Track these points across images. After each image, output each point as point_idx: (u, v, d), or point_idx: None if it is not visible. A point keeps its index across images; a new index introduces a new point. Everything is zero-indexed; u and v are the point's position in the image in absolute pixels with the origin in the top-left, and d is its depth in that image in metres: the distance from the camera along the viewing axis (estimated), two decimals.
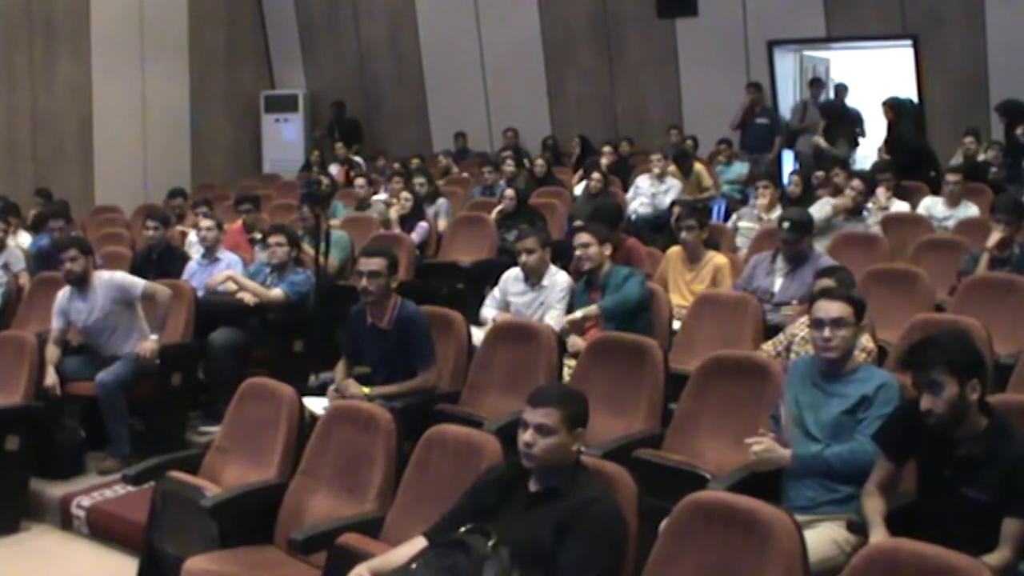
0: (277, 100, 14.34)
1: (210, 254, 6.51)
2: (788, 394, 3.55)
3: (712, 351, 4.20)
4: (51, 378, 5.19)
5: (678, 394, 4.08)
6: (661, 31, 11.80)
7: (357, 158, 12.32)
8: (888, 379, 3.44)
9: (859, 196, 7.02)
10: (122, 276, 5.56)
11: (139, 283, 5.45)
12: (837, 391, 3.45)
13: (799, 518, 2.75)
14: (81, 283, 5.40)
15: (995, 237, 5.55)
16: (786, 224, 5.49)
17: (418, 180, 8.73)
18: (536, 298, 5.39)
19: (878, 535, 2.95)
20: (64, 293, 5.49)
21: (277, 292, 5.98)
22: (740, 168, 10.11)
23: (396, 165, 9.25)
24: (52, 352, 5.34)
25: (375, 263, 4.62)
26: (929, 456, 3.05)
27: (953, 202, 7.31)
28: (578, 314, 5.09)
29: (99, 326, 5.41)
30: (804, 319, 4.49)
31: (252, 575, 3.43)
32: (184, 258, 6.79)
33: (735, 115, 10.80)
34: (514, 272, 5.57)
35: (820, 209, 6.96)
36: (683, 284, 5.74)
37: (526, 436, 2.91)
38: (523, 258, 5.37)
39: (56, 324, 5.46)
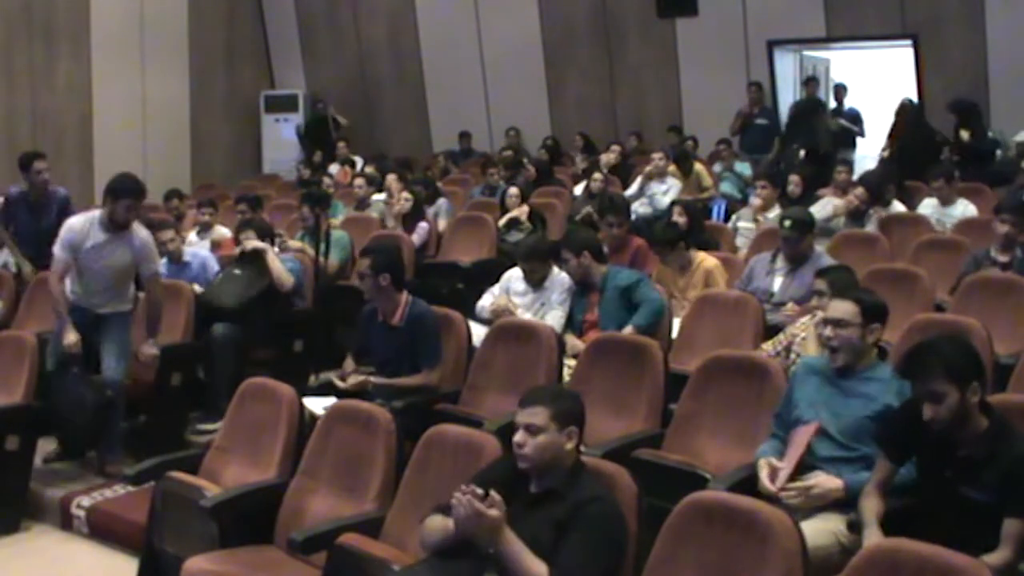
0: (277, 100, 14.34)
1: (176, 258, 6.37)
2: (797, 393, 3.49)
3: (712, 351, 4.20)
4: (73, 336, 5.02)
5: (678, 394, 4.08)
6: (661, 31, 11.81)
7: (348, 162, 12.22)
8: (906, 382, 3.38)
9: (862, 205, 7.05)
10: (154, 244, 5.41)
11: (159, 263, 5.42)
12: (855, 390, 3.40)
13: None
14: (122, 227, 5.16)
15: (999, 231, 5.53)
16: (787, 223, 5.49)
17: (416, 188, 8.68)
18: (537, 298, 5.41)
19: (871, 536, 2.94)
20: (88, 223, 5.15)
21: (289, 276, 5.97)
22: (743, 168, 10.10)
23: (391, 177, 9.15)
24: (59, 287, 5.10)
25: (360, 263, 4.71)
26: (929, 456, 3.04)
27: (946, 201, 7.32)
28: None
29: (107, 274, 5.18)
30: (804, 319, 4.49)
31: (252, 575, 3.43)
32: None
33: (733, 122, 10.82)
34: (516, 272, 5.58)
35: (822, 209, 6.98)
36: (677, 292, 5.73)
37: (517, 437, 2.94)
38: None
39: (64, 256, 5.12)
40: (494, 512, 2.75)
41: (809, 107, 9.91)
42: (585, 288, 5.29)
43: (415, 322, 4.66)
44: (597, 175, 8.53)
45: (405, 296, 4.73)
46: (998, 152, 8.96)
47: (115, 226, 5.13)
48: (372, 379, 4.55)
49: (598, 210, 6.40)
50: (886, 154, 8.96)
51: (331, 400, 4.32)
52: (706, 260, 5.77)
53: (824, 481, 3.23)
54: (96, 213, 5.18)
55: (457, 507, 2.78)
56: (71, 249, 5.13)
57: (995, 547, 2.78)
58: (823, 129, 9.51)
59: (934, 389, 2.88)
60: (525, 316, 5.30)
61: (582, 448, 3.15)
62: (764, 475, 3.32)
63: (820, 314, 4.02)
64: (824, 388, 3.45)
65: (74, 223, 5.19)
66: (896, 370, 3.08)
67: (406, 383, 4.57)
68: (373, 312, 4.78)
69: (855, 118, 11.27)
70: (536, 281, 5.44)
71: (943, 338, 3.07)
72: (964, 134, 8.63)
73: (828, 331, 3.45)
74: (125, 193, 5.12)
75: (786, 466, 3.29)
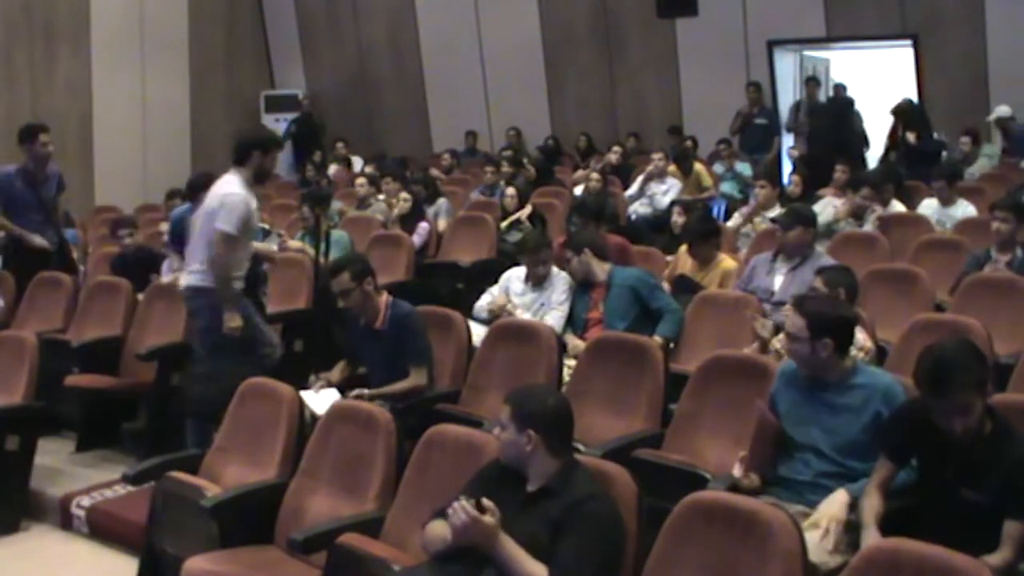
0: (277, 100, 14.33)
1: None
2: (780, 406, 3.46)
3: (712, 351, 4.20)
4: (239, 320, 4.73)
5: (678, 394, 4.07)
6: (661, 31, 11.81)
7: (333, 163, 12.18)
8: (893, 386, 3.33)
9: (865, 202, 7.06)
10: None
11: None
12: (840, 403, 3.33)
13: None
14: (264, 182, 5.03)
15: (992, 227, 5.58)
16: (783, 210, 5.55)
17: (415, 188, 8.67)
18: (537, 299, 5.40)
19: (869, 537, 2.93)
20: (241, 188, 4.77)
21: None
22: (743, 168, 10.11)
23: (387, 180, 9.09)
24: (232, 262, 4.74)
25: (339, 282, 4.55)
26: (931, 457, 3.04)
27: (946, 202, 7.33)
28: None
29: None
30: None
31: (252, 575, 3.43)
32: (159, 258, 6.76)
33: (733, 122, 10.83)
34: (515, 272, 5.58)
35: (822, 211, 7.00)
36: None
37: (495, 430, 3.07)
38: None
39: (235, 232, 4.69)
40: (488, 519, 2.77)
41: (843, 104, 9.99)
42: (587, 286, 5.30)
43: (398, 323, 4.59)
44: (595, 175, 8.54)
45: (385, 298, 4.66)
46: (944, 153, 9.28)
47: (262, 181, 4.94)
48: (364, 391, 4.46)
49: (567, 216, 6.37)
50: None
51: (332, 398, 4.31)
52: (726, 261, 5.83)
53: (831, 505, 3.15)
54: (235, 180, 4.80)
55: (452, 517, 2.80)
56: (249, 217, 4.78)
57: (995, 549, 2.78)
58: (856, 129, 9.67)
59: (964, 403, 2.86)
60: (525, 316, 5.30)
61: (582, 448, 3.15)
62: (735, 470, 3.34)
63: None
64: (809, 403, 3.39)
65: (237, 192, 4.73)
66: (919, 389, 2.97)
67: (393, 391, 4.48)
68: (356, 316, 4.70)
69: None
70: (537, 279, 5.43)
71: (956, 348, 2.98)
72: (910, 136, 8.94)
73: (785, 343, 3.49)
74: (270, 143, 4.96)
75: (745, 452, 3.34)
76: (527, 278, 5.49)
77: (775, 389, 3.53)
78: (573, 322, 5.30)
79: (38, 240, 6.57)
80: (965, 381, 2.86)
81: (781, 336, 4.51)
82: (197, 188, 5.76)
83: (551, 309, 5.32)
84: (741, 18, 11.29)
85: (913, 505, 3.10)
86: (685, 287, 5.64)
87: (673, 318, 5.09)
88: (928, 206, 7.46)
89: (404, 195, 8.18)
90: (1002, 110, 9.55)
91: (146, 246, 7.09)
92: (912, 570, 2.38)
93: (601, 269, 5.28)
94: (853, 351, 3.56)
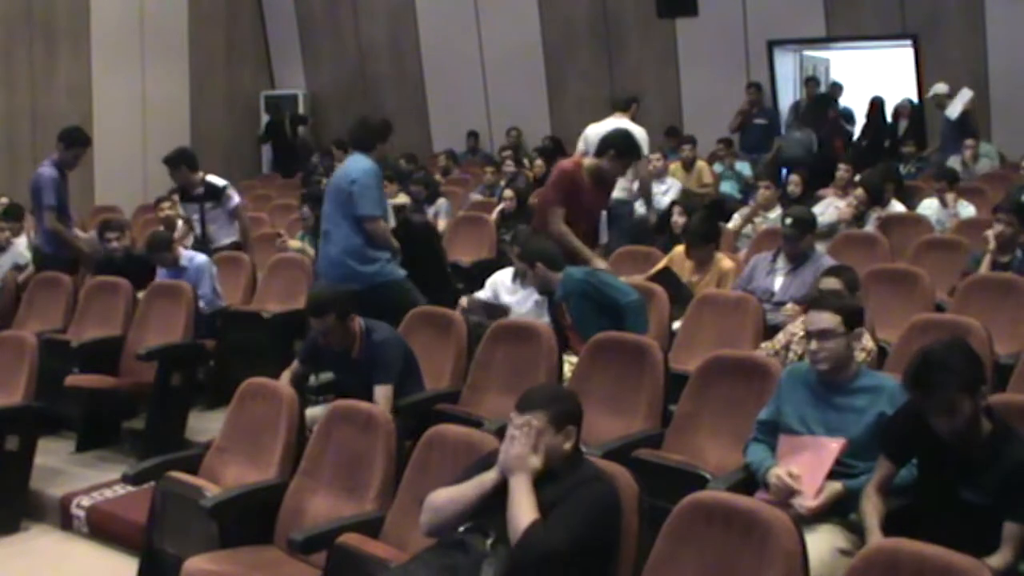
0: (277, 100, 14.34)
1: (172, 263, 6.31)
2: (786, 406, 3.44)
3: (712, 351, 4.20)
4: None
5: (678, 394, 4.07)
6: (661, 31, 11.82)
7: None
8: (900, 388, 3.25)
9: (861, 205, 7.07)
10: None
11: None
12: (846, 404, 3.34)
13: None
14: None
15: (994, 230, 5.58)
16: (788, 220, 5.50)
17: (414, 189, 8.67)
18: (529, 294, 5.35)
19: (873, 538, 2.93)
20: None
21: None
22: (743, 168, 10.11)
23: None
24: None
25: (324, 322, 4.35)
26: (930, 458, 3.03)
27: (946, 202, 7.35)
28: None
29: None
30: (803, 318, 4.48)
31: (252, 575, 3.43)
32: (148, 264, 6.74)
33: (732, 120, 10.84)
34: (500, 275, 5.55)
35: (823, 212, 7.01)
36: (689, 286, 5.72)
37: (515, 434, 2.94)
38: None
39: None
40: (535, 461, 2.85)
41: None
42: (551, 296, 5.07)
43: (373, 349, 4.42)
44: None
45: (358, 324, 4.46)
46: None
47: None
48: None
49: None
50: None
51: None
52: (723, 261, 5.81)
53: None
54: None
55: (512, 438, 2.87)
56: None
57: (994, 549, 2.77)
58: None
59: (948, 403, 2.85)
60: (519, 311, 5.31)
61: (582, 448, 3.14)
62: (791, 485, 3.19)
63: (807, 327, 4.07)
64: (815, 403, 3.39)
65: None
66: (905, 387, 2.96)
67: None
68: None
69: (849, 117, 11.32)
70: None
71: (946, 348, 2.97)
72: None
73: (814, 344, 3.36)
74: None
75: (814, 483, 3.19)
76: (515, 276, 5.44)
77: (780, 391, 3.51)
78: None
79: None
80: (948, 382, 2.84)
81: (780, 336, 4.52)
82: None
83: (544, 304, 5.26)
84: (741, 18, 11.30)
85: (913, 505, 3.10)
86: (669, 282, 5.51)
87: (634, 316, 4.78)
88: (928, 206, 7.47)
89: (403, 196, 8.18)
90: (939, 87, 9.57)
91: (135, 251, 6.93)
92: (912, 570, 2.37)
93: (556, 280, 4.99)
94: (856, 352, 3.56)
